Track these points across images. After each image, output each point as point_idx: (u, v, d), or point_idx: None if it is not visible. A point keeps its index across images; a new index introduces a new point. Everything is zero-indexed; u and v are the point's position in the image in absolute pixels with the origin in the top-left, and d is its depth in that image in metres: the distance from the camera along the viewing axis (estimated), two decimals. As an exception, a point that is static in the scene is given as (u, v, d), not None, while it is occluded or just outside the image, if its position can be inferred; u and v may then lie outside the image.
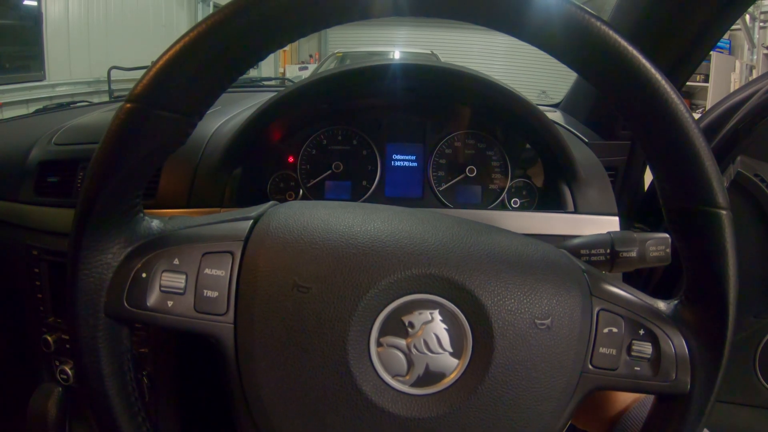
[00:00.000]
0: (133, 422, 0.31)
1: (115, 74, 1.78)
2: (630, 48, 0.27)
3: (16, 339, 0.75)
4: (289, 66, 8.22)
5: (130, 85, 0.29)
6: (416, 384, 0.30)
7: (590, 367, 0.32)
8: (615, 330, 0.32)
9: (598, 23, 0.26)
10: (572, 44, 0.28)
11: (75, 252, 0.29)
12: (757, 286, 0.71)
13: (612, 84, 0.28)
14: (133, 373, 0.32)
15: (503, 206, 0.72)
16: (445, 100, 0.73)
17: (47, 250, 0.69)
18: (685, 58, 0.70)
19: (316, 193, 0.72)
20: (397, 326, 0.30)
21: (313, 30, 0.29)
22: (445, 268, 0.31)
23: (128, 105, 0.28)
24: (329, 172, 0.72)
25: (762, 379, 0.76)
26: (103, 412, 0.30)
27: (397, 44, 6.87)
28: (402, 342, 0.30)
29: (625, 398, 0.42)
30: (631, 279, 0.62)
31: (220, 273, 0.31)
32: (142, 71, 0.28)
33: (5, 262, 0.74)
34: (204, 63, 0.28)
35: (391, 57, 4.59)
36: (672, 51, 0.69)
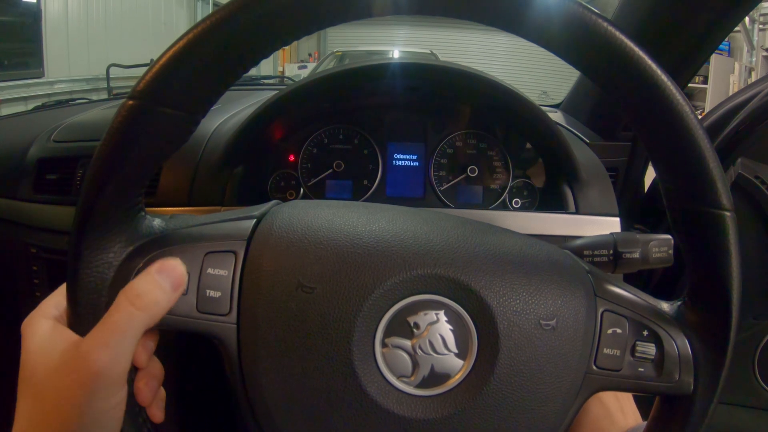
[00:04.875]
0: (134, 423, 0.30)
1: (114, 72, 1.77)
2: (636, 49, 0.26)
3: (14, 337, 0.74)
4: (288, 65, 8.21)
5: (129, 83, 0.29)
6: (421, 385, 0.30)
7: (594, 368, 0.32)
8: (619, 331, 0.32)
9: (605, 24, 0.26)
10: (577, 44, 0.27)
11: (76, 250, 0.29)
12: (756, 288, 0.72)
13: (617, 84, 0.28)
14: (134, 373, 0.31)
15: (504, 206, 0.72)
16: (447, 99, 0.73)
17: (46, 248, 0.69)
18: (687, 59, 0.70)
19: (317, 192, 0.72)
20: (402, 327, 0.30)
21: (317, 28, 0.28)
22: (451, 268, 0.31)
23: (131, 102, 0.27)
24: (330, 171, 0.72)
25: (761, 381, 0.76)
26: None
27: (397, 44, 6.87)
28: (407, 343, 0.30)
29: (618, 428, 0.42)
30: (632, 279, 0.62)
31: (222, 273, 0.31)
32: (141, 69, 0.28)
33: (3, 260, 0.73)
34: (208, 60, 0.27)
35: (390, 56, 4.59)
36: (675, 52, 0.69)
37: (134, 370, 0.31)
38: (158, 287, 0.29)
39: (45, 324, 0.30)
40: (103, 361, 0.27)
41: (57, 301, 0.31)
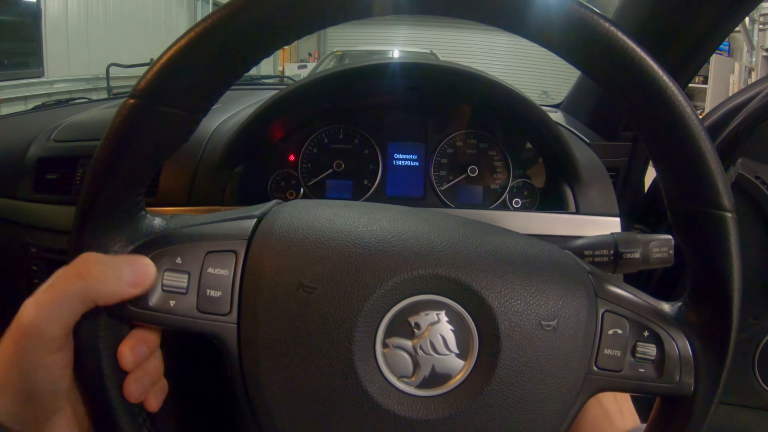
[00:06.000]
0: (134, 423, 0.30)
1: (114, 71, 1.78)
2: (637, 49, 0.26)
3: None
4: (288, 64, 8.22)
5: (129, 83, 0.29)
6: (422, 385, 0.30)
7: (595, 368, 0.32)
8: (620, 331, 0.32)
9: (606, 23, 0.26)
10: (578, 44, 0.27)
11: (76, 250, 0.29)
12: (756, 289, 0.72)
13: (618, 84, 0.28)
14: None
15: (504, 206, 0.72)
16: (447, 99, 0.73)
17: (46, 248, 0.69)
18: (688, 59, 0.70)
19: (317, 192, 0.72)
20: (403, 327, 0.30)
21: (317, 28, 0.28)
22: (452, 268, 0.31)
23: (132, 101, 0.27)
24: (330, 170, 0.72)
25: (761, 381, 0.76)
26: (104, 413, 0.30)
27: (397, 43, 6.87)
28: (408, 343, 0.30)
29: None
30: (632, 279, 0.63)
31: (223, 272, 0.31)
32: (141, 68, 0.28)
33: (3, 259, 0.73)
34: (208, 59, 0.27)
35: (390, 56, 4.58)
36: (675, 52, 0.69)
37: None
38: (115, 270, 0.28)
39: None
40: (29, 316, 0.27)
41: None
